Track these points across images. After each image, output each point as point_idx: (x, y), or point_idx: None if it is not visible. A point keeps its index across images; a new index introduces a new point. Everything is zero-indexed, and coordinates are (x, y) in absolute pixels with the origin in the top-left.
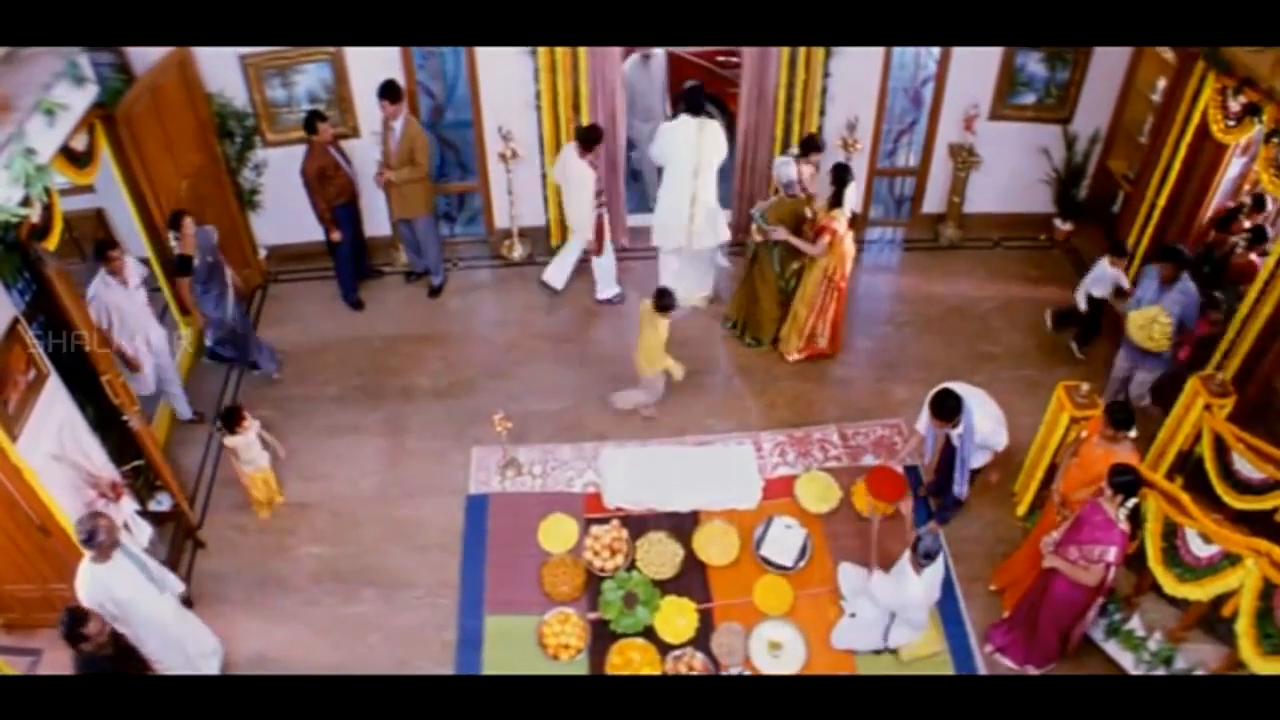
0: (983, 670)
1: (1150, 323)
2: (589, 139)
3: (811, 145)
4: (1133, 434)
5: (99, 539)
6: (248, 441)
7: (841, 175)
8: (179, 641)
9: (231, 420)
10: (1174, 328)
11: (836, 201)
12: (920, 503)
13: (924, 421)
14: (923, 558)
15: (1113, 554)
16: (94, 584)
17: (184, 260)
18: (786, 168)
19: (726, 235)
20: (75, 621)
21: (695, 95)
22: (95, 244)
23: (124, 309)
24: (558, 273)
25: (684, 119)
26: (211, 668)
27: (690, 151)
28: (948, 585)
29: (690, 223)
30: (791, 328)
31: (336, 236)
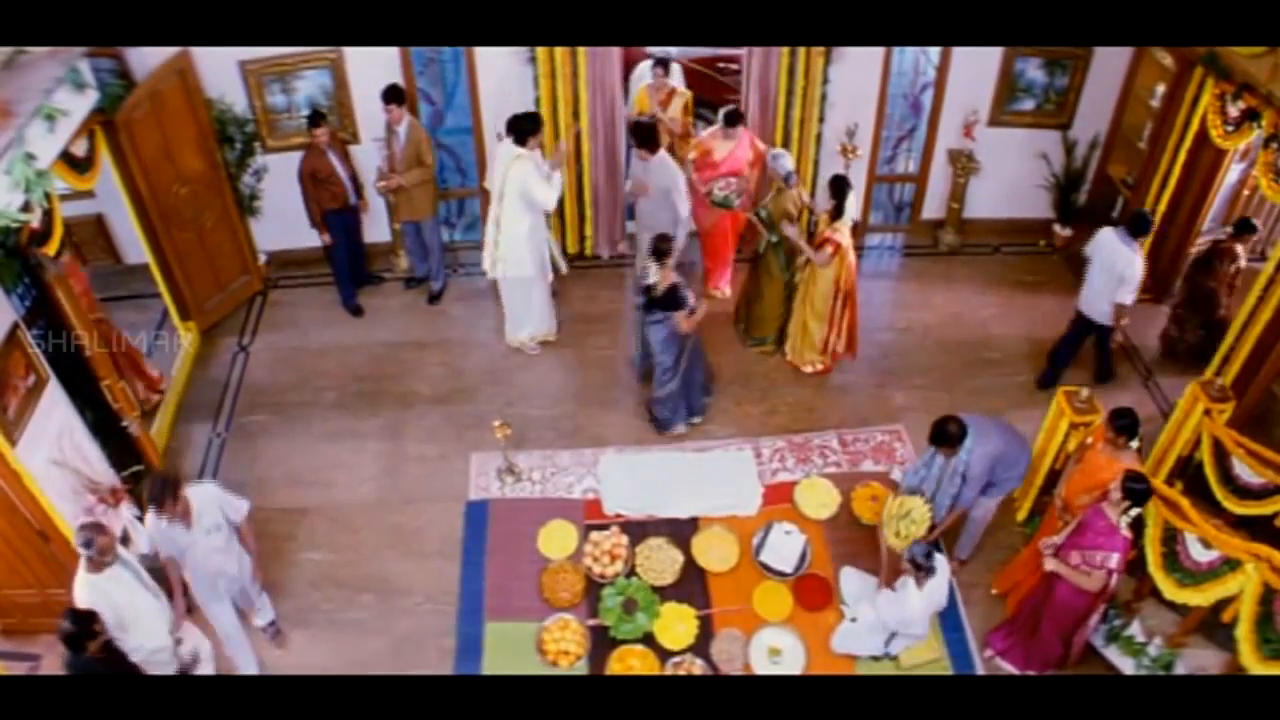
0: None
1: (905, 515)
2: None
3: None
4: (1135, 443)
5: (96, 547)
6: None
7: (841, 187)
8: (173, 645)
9: None
10: (945, 510)
11: (838, 214)
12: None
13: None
14: (926, 572)
15: (1115, 560)
16: (92, 592)
17: (674, 295)
18: (783, 159)
19: (548, 270)
20: (83, 622)
21: (517, 122)
22: (151, 483)
23: (181, 549)
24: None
25: (506, 143)
26: (207, 671)
27: (499, 177)
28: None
29: (495, 248)
30: (804, 341)
31: (325, 239)
